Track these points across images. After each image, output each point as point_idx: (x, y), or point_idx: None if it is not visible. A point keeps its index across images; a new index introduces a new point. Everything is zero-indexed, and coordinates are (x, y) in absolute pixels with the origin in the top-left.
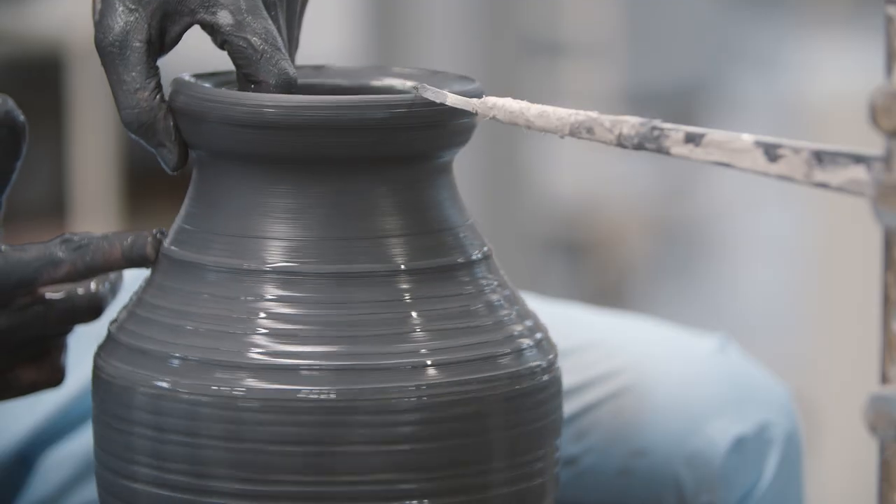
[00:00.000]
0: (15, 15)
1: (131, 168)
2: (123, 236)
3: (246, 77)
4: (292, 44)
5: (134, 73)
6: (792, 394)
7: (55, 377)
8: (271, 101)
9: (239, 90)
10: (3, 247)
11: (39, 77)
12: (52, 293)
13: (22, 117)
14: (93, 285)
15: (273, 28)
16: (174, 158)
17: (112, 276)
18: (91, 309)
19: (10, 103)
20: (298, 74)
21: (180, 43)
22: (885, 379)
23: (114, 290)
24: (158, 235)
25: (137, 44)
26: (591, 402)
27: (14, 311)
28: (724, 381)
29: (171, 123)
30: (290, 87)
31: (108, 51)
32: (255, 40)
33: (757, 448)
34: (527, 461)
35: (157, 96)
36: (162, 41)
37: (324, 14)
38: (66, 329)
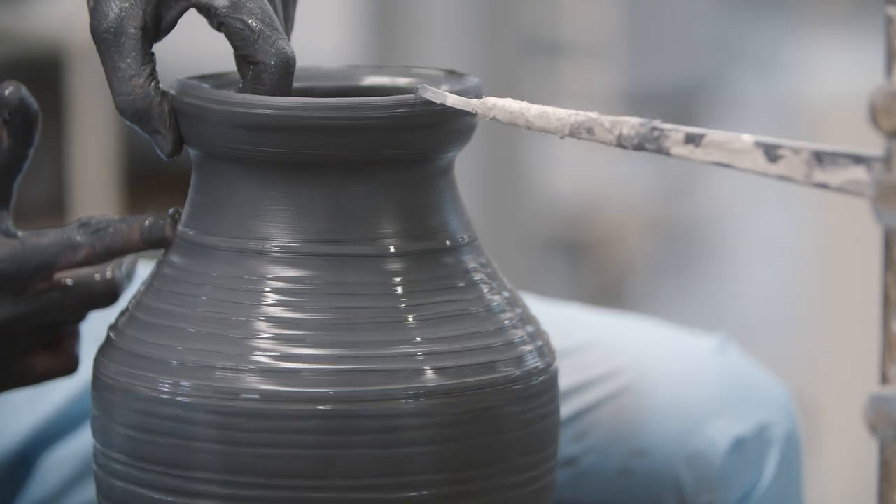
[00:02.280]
0: (15, 15)
1: (131, 168)
2: (141, 218)
3: (244, 59)
4: (288, 23)
5: (129, 60)
6: (792, 394)
7: (69, 365)
8: (270, 102)
9: (237, 72)
10: (19, 233)
11: (39, 77)
12: (69, 279)
13: (35, 105)
14: (109, 271)
15: (269, 8)
16: (169, 145)
17: (127, 261)
18: (108, 294)
19: (24, 90)
20: (296, 78)
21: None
22: (885, 379)
23: (129, 275)
24: (176, 216)
25: (132, 30)
26: (591, 402)
27: (31, 297)
28: (724, 381)
29: (167, 110)
30: (288, 66)
31: (103, 37)
32: (251, 21)
33: (757, 448)
34: (526, 462)
35: (152, 83)
36: (157, 27)
37: (323, 13)
38: (82, 315)
